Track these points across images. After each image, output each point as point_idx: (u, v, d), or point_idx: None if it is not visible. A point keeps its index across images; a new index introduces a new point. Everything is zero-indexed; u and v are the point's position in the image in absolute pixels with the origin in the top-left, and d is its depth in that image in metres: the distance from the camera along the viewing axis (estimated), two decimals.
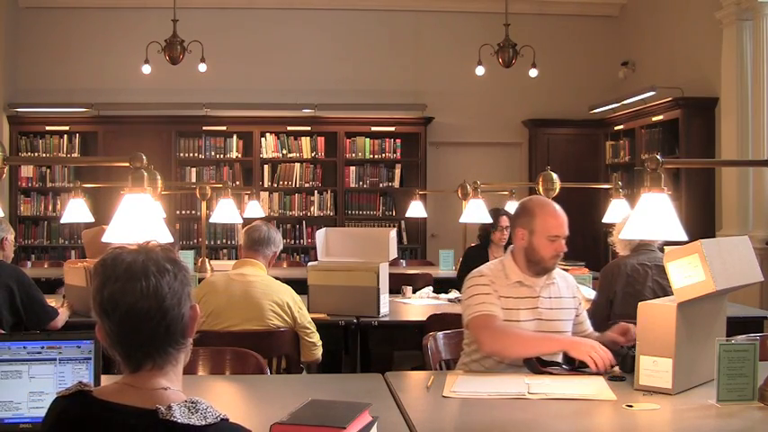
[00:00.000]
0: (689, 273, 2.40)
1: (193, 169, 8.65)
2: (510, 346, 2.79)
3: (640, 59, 8.61)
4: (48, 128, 8.46)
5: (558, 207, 2.97)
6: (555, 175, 4.59)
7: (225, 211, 5.81)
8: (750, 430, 2.21)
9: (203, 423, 1.37)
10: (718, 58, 6.86)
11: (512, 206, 6.29)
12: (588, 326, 3.10)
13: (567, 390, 2.50)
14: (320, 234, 4.51)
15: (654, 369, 2.47)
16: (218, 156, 8.62)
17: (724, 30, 6.77)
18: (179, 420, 1.36)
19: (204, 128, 8.55)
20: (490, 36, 7.46)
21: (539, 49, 7.56)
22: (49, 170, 8.51)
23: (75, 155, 8.54)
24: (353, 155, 8.67)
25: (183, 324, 1.48)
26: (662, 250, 3.95)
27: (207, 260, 6.11)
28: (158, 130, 8.45)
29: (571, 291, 3.05)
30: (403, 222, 8.63)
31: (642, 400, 2.42)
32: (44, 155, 8.48)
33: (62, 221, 5.62)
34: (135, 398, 1.43)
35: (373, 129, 8.65)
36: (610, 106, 8.57)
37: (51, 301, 4.02)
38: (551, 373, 2.71)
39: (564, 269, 3.27)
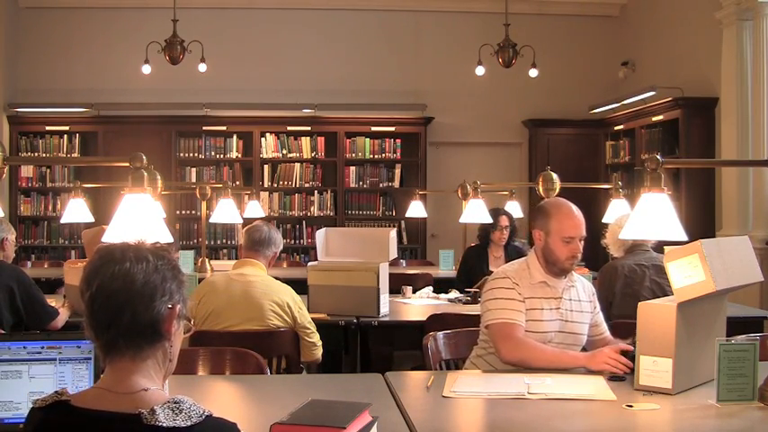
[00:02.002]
0: (689, 273, 2.40)
1: (193, 169, 8.65)
2: (529, 359, 2.79)
3: (640, 59, 8.61)
4: (48, 128, 8.45)
5: (574, 208, 2.99)
6: (555, 175, 4.58)
7: (225, 211, 5.80)
8: (750, 430, 2.21)
9: (188, 423, 1.36)
10: (718, 58, 6.86)
11: (512, 206, 6.30)
12: (605, 329, 3.13)
13: (567, 390, 2.50)
14: (320, 234, 4.51)
15: (654, 369, 2.47)
16: (218, 156, 8.62)
17: (724, 30, 6.77)
18: (164, 424, 1.34)
19: (204, 128, 8.55)
20: (490, 36, 7.46)
21: (539, 49, 7.56)
22: (49, 170, 8.51)
23: (75, 155, 8.54)
24: (353, 155, 8.67)
25: (153, 317, 1.45)
26: (657, 250, 3.97)
27: (207, 260, 6.10)
28: (158, 130, 8.45)
29: (588, 294, 3.09)
30: (403, 222, 8.62)
31: (642, 400, 2.42)
32: (44, 155, 8.48)
33: (62, 221, 5.61)
34: (115, 403, 1.40)
35: (373, 129, 8.64)
36: (610, 106, 8.57)
37: (51, 301, 4.02)
38: None
39: None
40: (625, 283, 3.99)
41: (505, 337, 2.83)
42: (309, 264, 4.53)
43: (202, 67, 7.61)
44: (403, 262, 7.41)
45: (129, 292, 1.43)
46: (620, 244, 4.13)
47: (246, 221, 5.37)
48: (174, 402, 1.39)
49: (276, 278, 3.73)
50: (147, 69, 7.55)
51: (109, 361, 1.46)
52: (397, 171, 8.71)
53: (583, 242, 2.95)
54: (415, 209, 7.35)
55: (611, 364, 2.67)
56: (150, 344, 1.47)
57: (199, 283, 3.97)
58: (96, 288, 1.44)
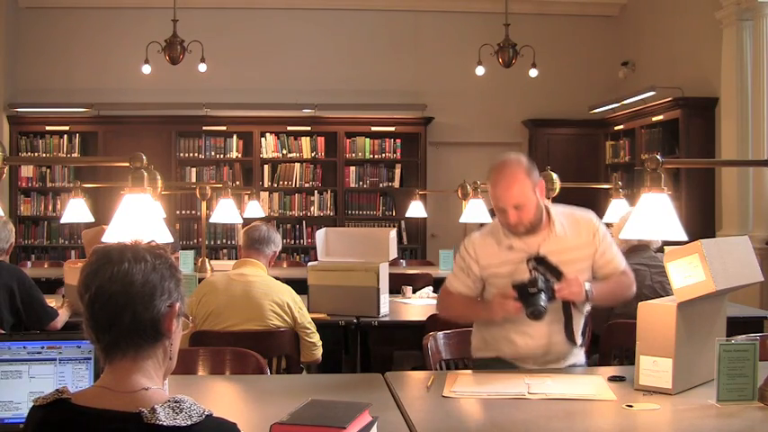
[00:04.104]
0: (689, 273, 2.40)
1: (193, 169, 8.65)
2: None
3: (640, 59, 8.61)
4: (48, 128, 8.46)
5: (505, 173, 2.77)
6: (555, 175, 4.58)
7: (225, 211, 5.80)
8: (750, 430, 2.20)
9: (189, 423, 1.36)
10: (718, 58, 6.86)
11: None
12: (618, 264, 2.90)
13: (567, 390, 2.50)
14: (320, 234, 4.51)
15: (654, 369, 2.47)
16: (218, 156, 8.62)
17: (724, 30, 6.77)
18: (164, 423, 1.35)
19: (204, 128, 8.55)
20: (490, 36, 7.46)
21: (539, 49, 7.56)
22: (49, 170, 8.51)
23: (76, 155, 8.54)
24: (353, 155, 8.67)
25: (153, 316, 1.45)
26: (661, 250, 3.96)
27: (207, 260, 6.10)
28: (158, 130, 8.46)
29: (586, 235, 2.86)
30: (403, 222, 8.63)
31: (642, 400, 2.42)
32: (44, 155, 8.48)
33: (62, 221, 5.62)
34: (116, 401, 1.41)
35: (373, 129, 8.65)
36: (610, 106, 8.57)
37: (51, 302, 4.02)
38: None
39: None
40: None
41: (438, 301, 3.17)
42: (309, 264, 4.52)
43: (202, 67, 7.61)
44: (403, 262, 7.40)
45: (128, 293, 1.44)
46: (623, 241, 4.12)
47: (246, 221, 5.37)
48: (175, 401, 1.39)
49: (276, 278, 3.73)
50: (147, 69, 7.55)
51: (109, 361, 1.46)
52: (397, 171, 8.71)
53: (526, 209, 2.75)
54: (415, 209, 7.35)
55: (503, 309, 2.70)
56: (151, 343, 1.47)
57: (199, 283, 3.97)
58: (96, 290, 1.44)
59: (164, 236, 2.44)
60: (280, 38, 8.76)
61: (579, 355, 2.96)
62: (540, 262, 2.77)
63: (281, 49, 8.76)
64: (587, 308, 2.95)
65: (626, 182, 7.60)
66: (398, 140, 8.69)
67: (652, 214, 2.51)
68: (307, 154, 8.63)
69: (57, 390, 1.45)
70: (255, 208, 6.62)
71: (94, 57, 8.59)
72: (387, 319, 4.26)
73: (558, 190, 4.54)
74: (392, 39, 8.91)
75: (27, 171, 8.49)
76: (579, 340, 2.88)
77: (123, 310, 1.43)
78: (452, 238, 7.87)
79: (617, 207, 5.26)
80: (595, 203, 7.70)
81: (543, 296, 2.64)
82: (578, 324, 2.88)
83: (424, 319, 3.99)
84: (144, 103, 8.42)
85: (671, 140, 7.34)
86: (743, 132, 6.55)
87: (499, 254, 2.86)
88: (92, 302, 1.44)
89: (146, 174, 2.46)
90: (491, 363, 2.93)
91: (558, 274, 2.75)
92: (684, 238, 2.47)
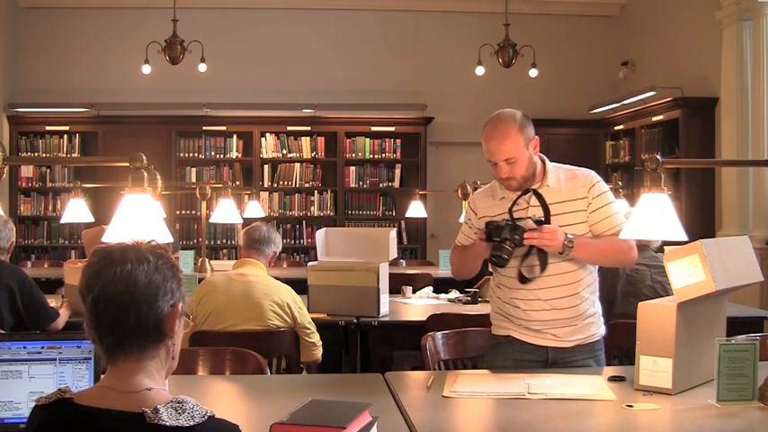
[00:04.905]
0: (689, 273, 2.40)
1: (193, 169, 8.65)
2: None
3: (640, 59, 8.61)
4: (48, 128, 8.46)
5: (497, 127, 2.90)
6: None
7: (225, 211, 5.80)
8: (750, 430, 2.20)
9: (191, 423, 1.36)
10: (718, 58, 6.86)
11: None
12: (613, 223, 2.79)
13: (567, 390, 2.50)
14: (320, 234, 4.52)
15: (654, 369, 2.47)
16: (218, 156, 8.62)
17: (724, 30, 6.77)
18: (167, 423, 1.35)
19: (204, 128, 8.55)
20: (490, 36, 7.46)
21: (539, 49, 7.56)
22: (49, 170, 8.51)
23: (76, 155, 8.54)
24: (353, 155, 8.67)
25: (157, 316, 1.46)
26: (661, 250, 3.96)
27: (207, 260, 6.10)
28: (158, 130, 8.46)
29: (580, 190, 2.83)
30: (403, 222, 8.63)
31: (642, 400, 2.42)
32: (44, 155, 8.49)
33: (62, 221, 5.62)
34: (118, 401, 1.41)
35: (373, 129, 8.65)
36: (610, 106, 8.57)
37: (51, 302, 4.02)
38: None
39: None
40: (627, 282, 3.99)
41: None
42: (309, 264, 4.53)
43: (202, 67, 7.62)
44: (403, 262, 7.40)
45: (132, 294, 1.44)
46: None
47: (246, 221, 5.38)
48: (178, 402, 1.39)
49: (276, 278, 3.73)
50: (147, 69, 7.55)
51: (112, 362, 1.47)
52: (397, 171, 8.71)
53: (518, 164, 2.80)
54: (415, 209, 7.35)
55: (480, 246, 2.80)
56: (154, 343, 1.48)
57: (199, 283, 3.97)
58: (99, 291, 1.44)
59: (164, 236, 2.44)
60: (280, 38, 8.77)
61: (587, 330, 2.87)
62: (535, 195, 2.80)
63: (281, 48, 8.76)
64: (586, 276, 2.86)
65: (626, 182, 7.60)
66: (398, 140, 8.69)
67: (652, 214, 2.50)
68: (307, 154, 8.63)
69: (59, 389, 1.45)
70: (255, 208, 6.62)
71: (94, 57, 8.58)
72: (387, 319, 4.26)
73: None
74: (392, 39, 8.90)
75: (27, 171, 8.49)
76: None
77: (127, 310, 1.43)
78: (452, 238, 7.81)
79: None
80: None
81: (508, 246, 2.72)
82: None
83: (424, 319, 4.00)
84: (144, 103, 8.42)
85: (671, 140, 7.35)
86: (743, 132, 6.55)
87: (494, 205, 2.95)
88: (95, 303, 1.44)
89: (146, 174, 2.46)
90: (504, 343, 2.91)
91: (546, 215, 2.78)
92: (684, 238, 2.47)
